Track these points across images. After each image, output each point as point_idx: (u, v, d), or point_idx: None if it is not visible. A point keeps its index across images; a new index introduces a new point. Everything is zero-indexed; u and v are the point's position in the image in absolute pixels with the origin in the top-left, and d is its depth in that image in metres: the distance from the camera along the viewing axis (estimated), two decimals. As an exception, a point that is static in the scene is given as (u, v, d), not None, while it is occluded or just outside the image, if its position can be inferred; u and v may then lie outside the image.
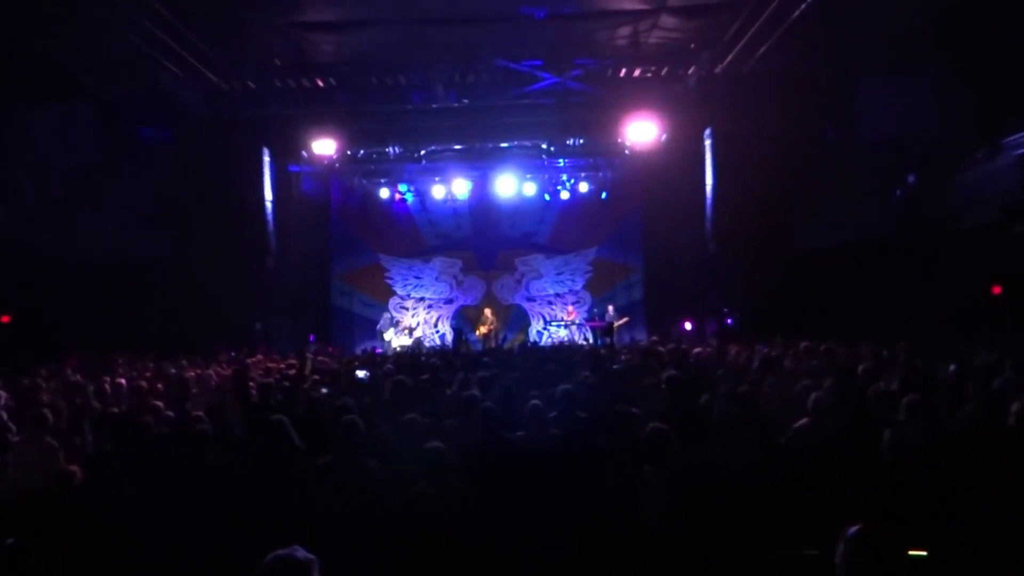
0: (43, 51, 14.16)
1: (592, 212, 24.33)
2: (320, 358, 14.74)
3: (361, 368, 10.86)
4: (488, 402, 6.59)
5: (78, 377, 10.69)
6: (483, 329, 22.04)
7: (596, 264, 24.97)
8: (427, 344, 22.94)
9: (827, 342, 11.93)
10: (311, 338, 20.98)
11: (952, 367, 8.82)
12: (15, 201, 14.69)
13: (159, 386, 9.89)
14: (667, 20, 14.39)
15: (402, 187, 23.80)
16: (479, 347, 19.81)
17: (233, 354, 15.04)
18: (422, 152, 19.99)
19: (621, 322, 21.07)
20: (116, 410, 7.80)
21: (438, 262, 25.06)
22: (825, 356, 10.50)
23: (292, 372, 11.17)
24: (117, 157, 17.66)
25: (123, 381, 10.22)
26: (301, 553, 2.82)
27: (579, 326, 23.33)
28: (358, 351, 20.25)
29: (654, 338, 18.37)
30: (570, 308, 24.37)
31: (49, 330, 15.12)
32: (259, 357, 14.27)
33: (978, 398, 6.70)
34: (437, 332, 24.67)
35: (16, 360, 12.40)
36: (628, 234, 24.23)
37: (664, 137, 17.72)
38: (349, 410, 6.58)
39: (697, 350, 13.56)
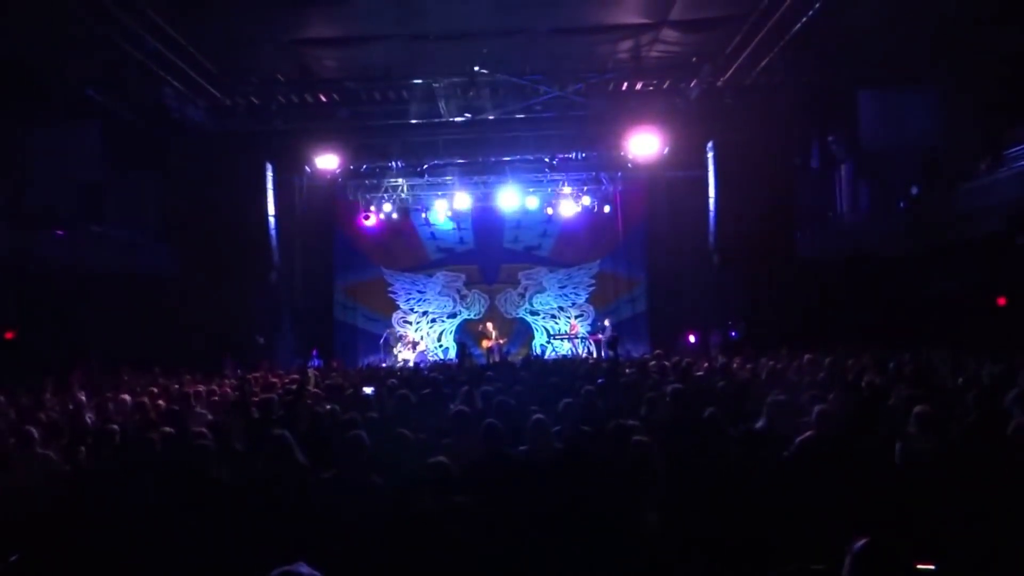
0: (50, 69, 14.24)
1: (595, 225, 24.35)
2: (332, 373, 14.75)
3: (367, 384, 10.77)
4: (490, 418, 6.55)
5: (82, 393, 10.68)
6: (486, 343, 22.03)
7: (599, 277, 24.97)
8: (431, 358, 22.94)
9: (833, 353, 11.89)
10: (314, 352, 20.97)
11: (958, 379, 8.79)
12: (22, 217, 14.73)
13: (161, 402, 9.87)
14: (669, 34, 14.42)
15: (404, 201, 23.85)
16: (483, 361, 19.79)
17: (240, 371, 15.02)
18: (424, 166, 20.04)
19: (608, 335, 21.16)
20: (117, 426, 7.77)
21: (441, 276, 25.08)
22: (831, 368, 10.45)
23: (295, 387, 11.13)
24: (122, 173, 17.74)
25: (127, 397, 10.21)
26: (305, 569, 2.79)
27: (583, 340, 23.31)
28: (361, 365, 20.21)
29: (658, 351, 18.34)
30: (573, 322, 24.36)
31: (54, 345, 15.13)
32: (259, 374, 14.23)
33: (981, 409, 6.65)
34: (440, 346, 24.67)
35: (22, 374, 12.40)
36: (631, 247, 24.24)
37: (666, 150, 17.75)
38: (355, 424, 6.55)
39: (704, 363, 13.52)
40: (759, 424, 6.93)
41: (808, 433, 6.24)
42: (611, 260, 24.78)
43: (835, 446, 6.09)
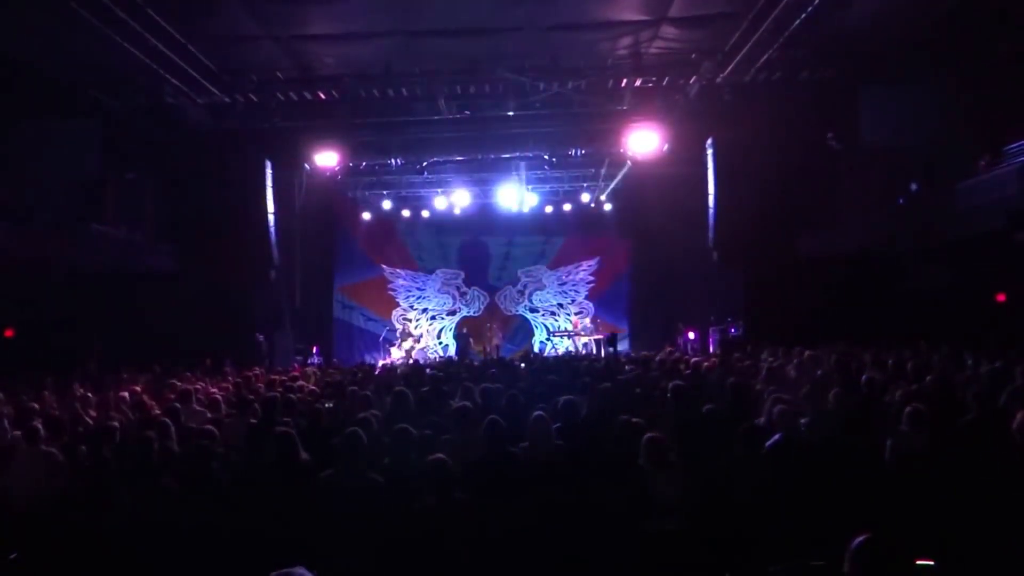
0: (49, 68, 14.22)
1: (594, 222, 24.37)
2: (331, 371, 14.76)
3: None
4: (492, 415, 6.56)
5: (82, 391, 10.69)
6: (482, 343, 22.23)
7: (599, 275, 24.99)
8: (430, 355, 22.98)
9: (834, 351, 11.91)
10: (315, 350, 21.00)
11: (958, 376, 8.80)
12: (22, 216, 14.73)
13: (161, 399, 9.89)
14: (668, 30, 14.39)
15: (404, 198, 23.88)
16: (478, 361, 19.85)
17: (244, 372, 15.03)
18: (424, 163, 20.04)
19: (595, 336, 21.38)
20: (117, 424, 7.78)
21: (441, 273, 25.11)
22: (838, 365, 10.46)
23: (296, 385, 11.15)
24: (122, 171, 17.73)
25: (126, 395, 10.22)
26: (301, 571, 2.73)
27: (584, 335, 23.35)
28: (362, 362, 20.25)
29: (668, 348, 18.39)
30: (574, 319, 24.40)
31: (54, 343, 15.13)
32: (259, 371, 14.24)
33: (980, 406, 6.65)
34: (440, 343, 24.69)
35: (22, 373, 12.41)
36: (631, 244, 24.26)
37: (666, 147, 17.74)
38: (359, 423, 6.53)
39: (698, 360, 13.54)
40: (760, 421, 6.93)
41: (776, 436, 6.21)
42: (611, 257, 24.82)
43: (805, 446, 6.09)
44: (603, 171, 22.29)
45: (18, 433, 7.16)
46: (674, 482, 5.49)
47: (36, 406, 8.78)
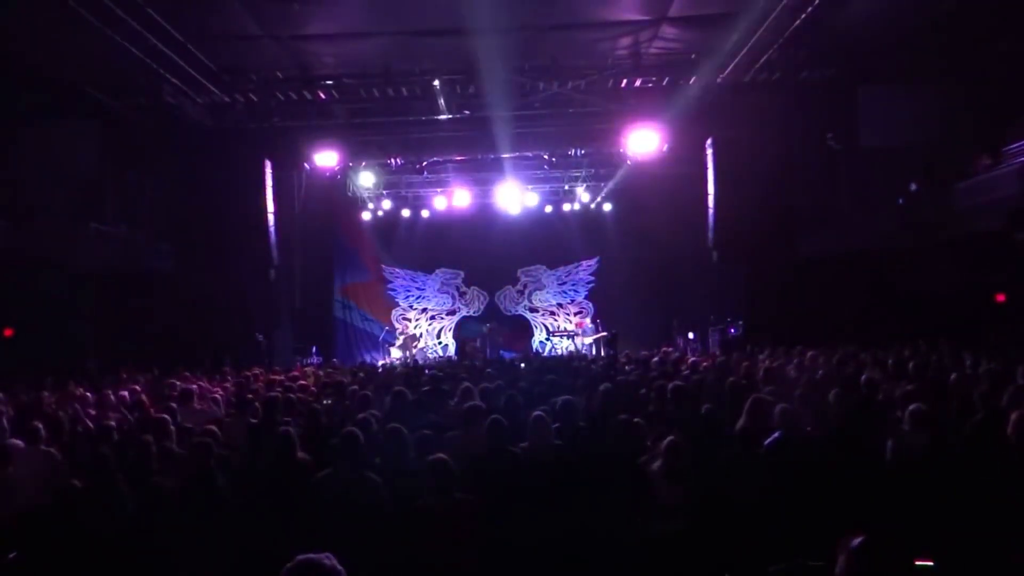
0: (49, 68, 14.21)
1: (594, 222, 24.37)
2: (330, 370, 14.75)
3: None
4: (495, 414, 6.56)
5: (81, 390, 10.69)
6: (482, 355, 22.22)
7: (598, 274, 25.00)
8: (430, 355, 22.99)
9: (834, 351, 11.92)
10: (314, 349, 20.99)
11: (956, 375, 8.79)
12: (22, 216, 14.73)
13: (160, 399, 9.88)
14: (668, 30, 14.38)
15: (403, 198, 23.88)
16: (478, 362, 19.85)
17: (244, 371, 15.02)
18: (423, 163, 20.05)
19: (598, 335, 21.42)
20: (114, 424, 7.79)
21: (440, 273, 25.11)
22: (839, 365, 10.46)
23: (296, 384, 11.14)
24: (121, 171, 17.72)
25: (125, 394, 10.22)
26: (327, 558, 2.73)
27: (584, 336, 23.36)
28: (361, 362, 20.25)
29: (666, 348, 18.38)
30: (576, 319, 24.43)
31: (54, 343, 15.12)
32: (258, 371, 14.23)
33: (986, 408, 6.64)
34: (440, 343, 24.69)
35: (21, 373, 12.41)
36: (630, 244, 24.25)
37: (666, 147, 17.75)
38: (361, 424, 6.52)
39: (699, 360, 13.54)
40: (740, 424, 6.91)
41: (775, 435, 6.20)
42: (610, 257, 24.81)
43: (805, 444, 6.09)
44: (603, 171, 22.30)
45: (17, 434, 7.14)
46: (675, 483, 5.49)
47: (35, 406, 8.76)
